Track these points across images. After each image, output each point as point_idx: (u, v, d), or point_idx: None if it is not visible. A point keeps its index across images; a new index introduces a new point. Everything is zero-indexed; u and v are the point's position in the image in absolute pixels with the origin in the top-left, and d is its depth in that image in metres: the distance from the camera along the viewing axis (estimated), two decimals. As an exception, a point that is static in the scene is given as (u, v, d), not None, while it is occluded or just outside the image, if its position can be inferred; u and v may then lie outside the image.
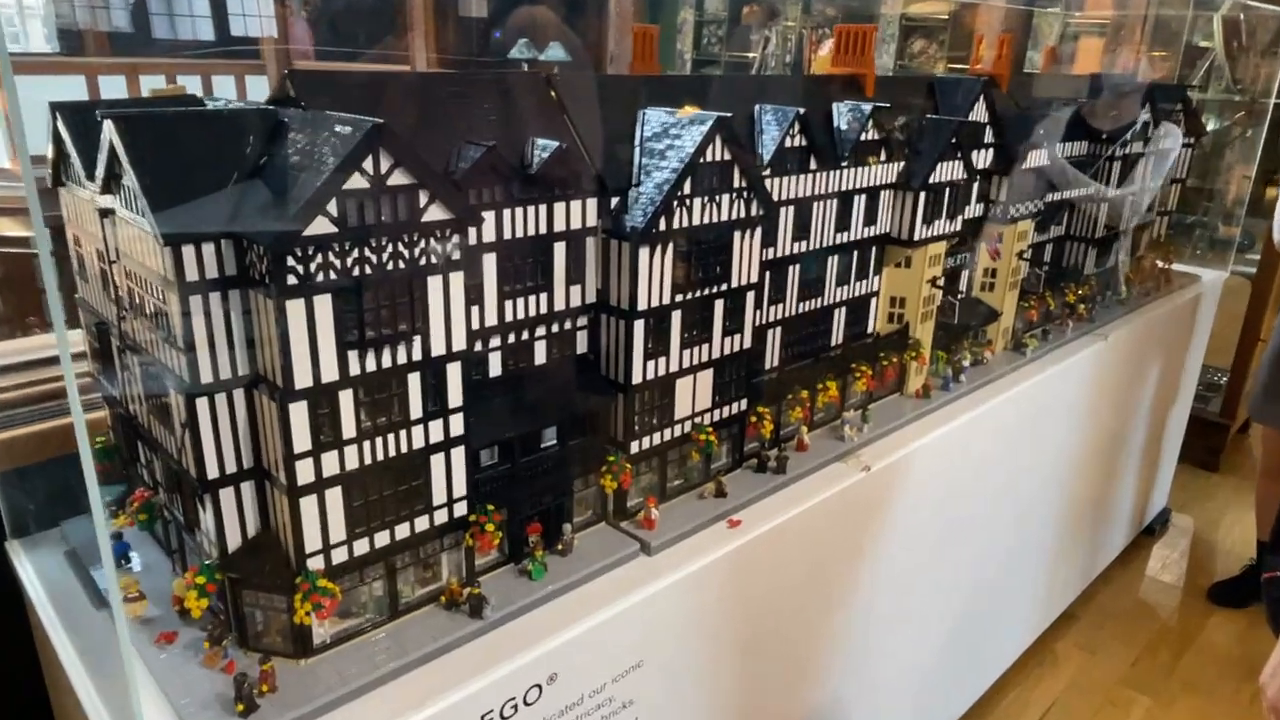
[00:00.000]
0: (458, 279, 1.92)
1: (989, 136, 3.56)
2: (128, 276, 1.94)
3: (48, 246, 1.30)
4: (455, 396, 2.01)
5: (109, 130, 1.73)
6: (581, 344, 2.39)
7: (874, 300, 3.22)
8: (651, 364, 2.43)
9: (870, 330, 3.25)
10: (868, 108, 2.91)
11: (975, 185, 3.50)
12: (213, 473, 1.85)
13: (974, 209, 3.56)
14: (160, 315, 1.83)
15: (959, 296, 3.69)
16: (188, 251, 1.71)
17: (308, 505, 1.84)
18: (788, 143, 2.71)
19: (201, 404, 1.79)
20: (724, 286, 2.52)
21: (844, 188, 2.93)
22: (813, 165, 2.80)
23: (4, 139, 2.70)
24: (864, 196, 3.02)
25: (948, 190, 3.26)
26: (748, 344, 2.66)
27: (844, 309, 3.10)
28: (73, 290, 2.34)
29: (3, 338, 2.73)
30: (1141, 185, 4.52)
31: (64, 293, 2.34)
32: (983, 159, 3.54)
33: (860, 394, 3.25)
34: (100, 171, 1.85)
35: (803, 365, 2.99)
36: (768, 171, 2.68)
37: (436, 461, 2.03)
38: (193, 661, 1.90)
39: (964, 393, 3.51)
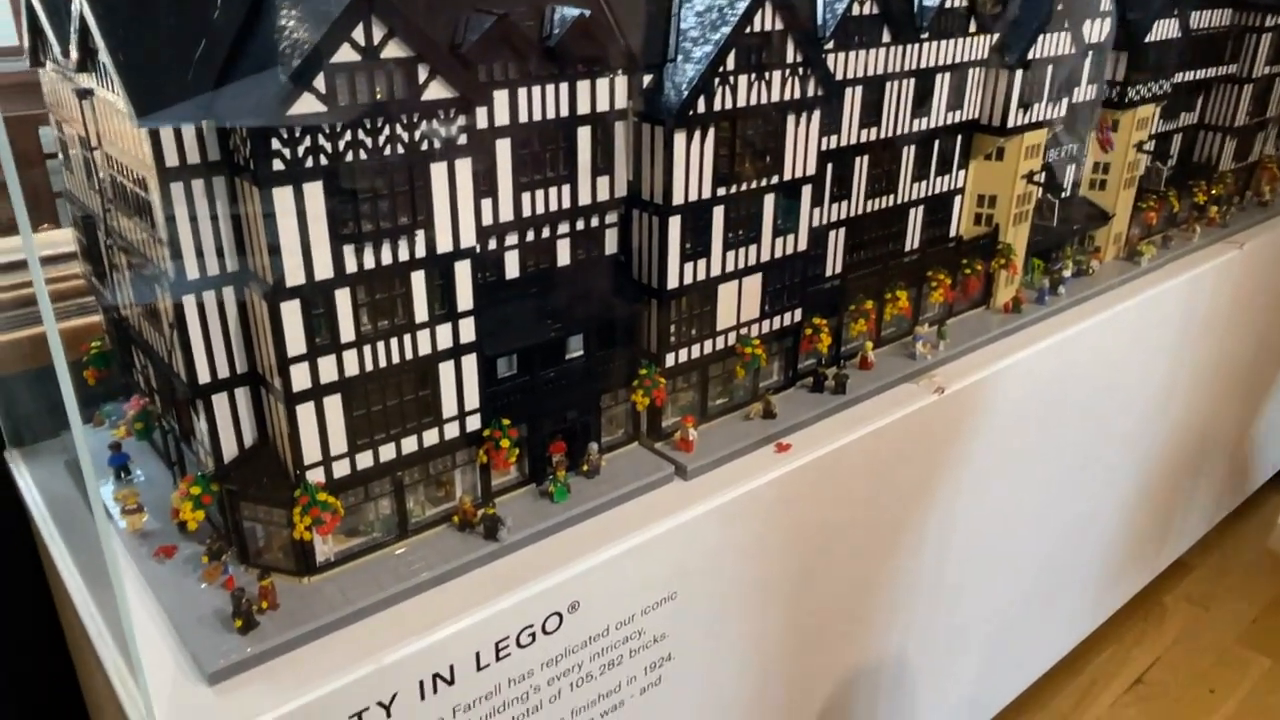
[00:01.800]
0: (465, 167, 1.91)
1: (1104, 3, 3.35)
2: (109, 163, 1.99)
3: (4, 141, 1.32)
4: (465, 299, 2.02)
5: (79, -1, 1.76)
6: (611, 244, 2.38)
7: (957, 198, 3.11)
8: (690, 266, 2.40)
9: (952, 233, 3.15)
10: (953, -33, 2.76)
11: (1086, 62, 3.32)
12: (204, 377, 1.91)
13: (1083, 91, 3.38)
14: (142, 206, 1.88)
15: (1061, 195, 3.54)
16: (166, 135, 1.73)
17: (305, 414, 1.89)
18: (855, 10, 2.59)
19: (189, 302, 1.84)
20: (775, 179, 2.47)
21: (923, 64, 2.79)
22: (886, 37, 2.68)
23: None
24: (948, 75, 2.88)
25: (1050, 68, 3.10)
26: (803, 246, 2.62)
27: (921, 208, 3.00)
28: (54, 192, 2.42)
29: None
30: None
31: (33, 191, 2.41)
32: (1096, 30, 3.34)
33: (937, 306, 3.19)
34: (73, 47, 1.88)
35: (870, 272, 2.92)
36: (829, 45, 2.58)
37: (446, 370, 2.05)
38: (191, 576, 2.01)
39: (1062, 307, 3.41)
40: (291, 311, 1.81)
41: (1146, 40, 3.51)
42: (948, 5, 2.79)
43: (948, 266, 3.13)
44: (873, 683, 3.21)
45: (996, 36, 2.97)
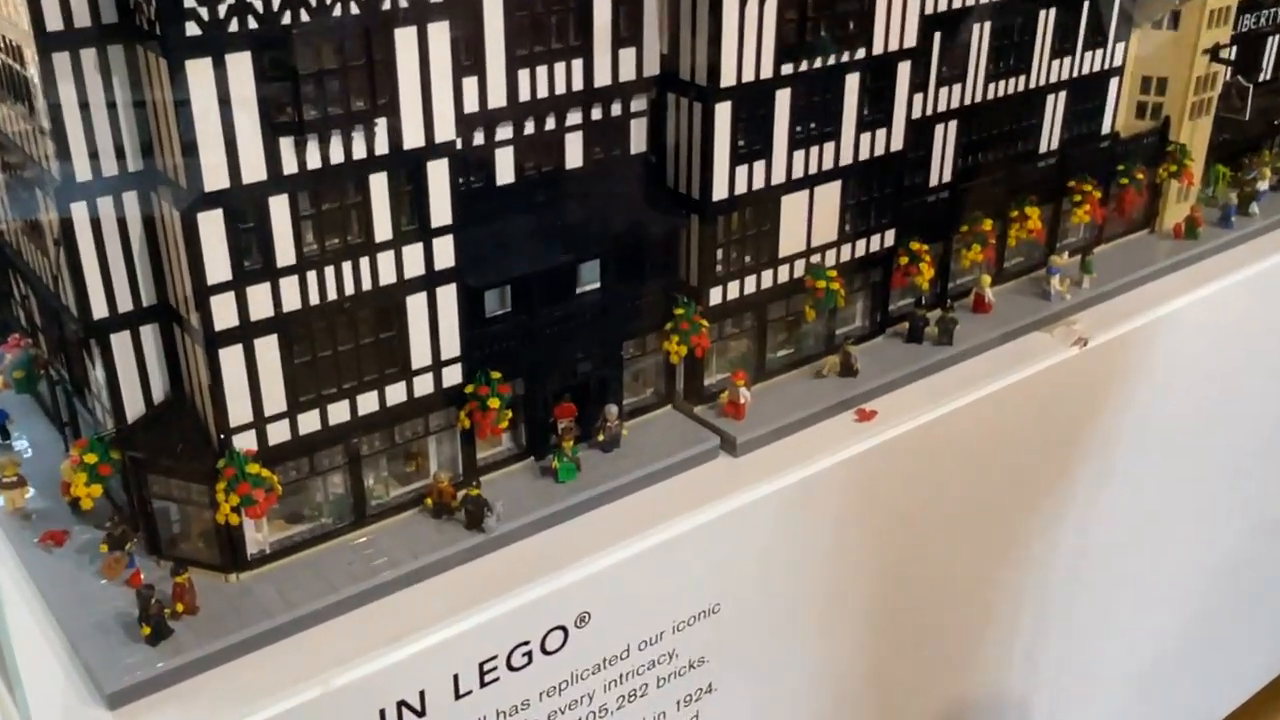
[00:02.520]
0: (441, 33, 1.90)
1: None
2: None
3: None
4: (441, 211, 2.02)
5: None
6: (638, 140, 2.36)
7: (1113, 82, 3.06)
8: (743, 171, 2.38)
9: (1105, 129, 3.10)
10: None
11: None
12: (100, 310, 1.93)
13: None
14: (18, 85, 1.90)
15: (1257, 80, 3.47)
16: (47, -12, 1.75)
17: (230, 360, 1.90)
18: None
19: (78, 213, 1.86)
20: (861, 53, 2.43)
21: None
22: None
23: None
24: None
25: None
26: (898, 145, 2.58)
27: (1063, 95, 2.95)
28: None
29: None
30: None
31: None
32: None
33: (1081, 229, 3.15)
34: None
35: (990, 181, 2.88)
36: None
37: (415, 306, 2.06)
38: (87, 570, 2.04)
39: (1255, 231, 3.35)
40: (212, 225, 1.81)
41: None
42: None
43: (1098, 175, 3.07)
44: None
45: None
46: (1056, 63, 2.92)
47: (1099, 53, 3.00)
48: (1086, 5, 2.91)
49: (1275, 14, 3.43)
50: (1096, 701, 3.59)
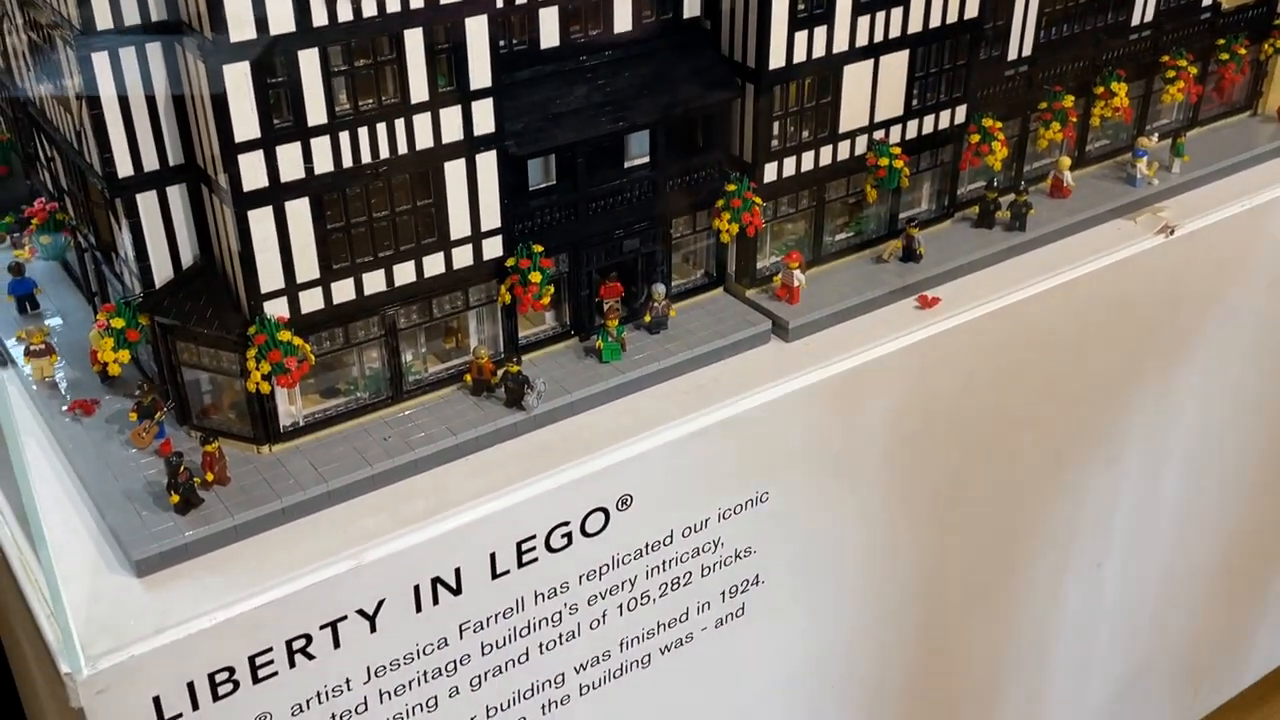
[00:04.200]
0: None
1: None
2: None
3: None
4: (481, 72, 1.97)
5: None
6: (691, 3, 2.29)
7: (1213, -54, 2.93)
8: (802, 36, 2.29)
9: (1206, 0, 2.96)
10: None
11: None
12: (125, 169, 1.90)
13: None
14: (37, -73, 1.85)
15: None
16: None
17: (260, 223, 1.87)
18: None
19: (100, 64, 1.82)
20: (934, -91, 2.34)
21: None
22: None
23: None
24: None
25: None
26: (973, 12, 2.47)
27: (1156, -42, 2.83)
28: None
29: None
30: None
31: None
32: None
33: (1175, 109, 3.05)
34: None
35: (1073, 53, 2.77)
36: None
37: (454, 172, 2.02)
38: (116, 439, 2.04)
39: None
40: (238, 78, 1.77)
41: None
42: None
43: (1195, 49, 2.94)
44: (1042, 645, 3.18)
45: None
46: (1152, -78, 2.77)
47: (1198, -88, 2.84)
48: None
49: None
50: (1150, 628, 3.52)
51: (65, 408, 2.12)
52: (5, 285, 2.36)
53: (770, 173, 2.40)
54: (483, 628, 2.05)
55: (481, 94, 2.00)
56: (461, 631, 2.02)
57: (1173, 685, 3.85)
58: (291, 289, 1.95)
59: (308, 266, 1.95)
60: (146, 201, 1.94)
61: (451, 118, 1.98)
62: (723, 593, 2.37)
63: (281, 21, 1.77)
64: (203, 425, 2.04)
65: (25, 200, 2.48)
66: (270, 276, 1.92)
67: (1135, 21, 2.85)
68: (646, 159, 2.27)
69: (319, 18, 1.80)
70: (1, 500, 1.98)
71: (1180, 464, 3.20)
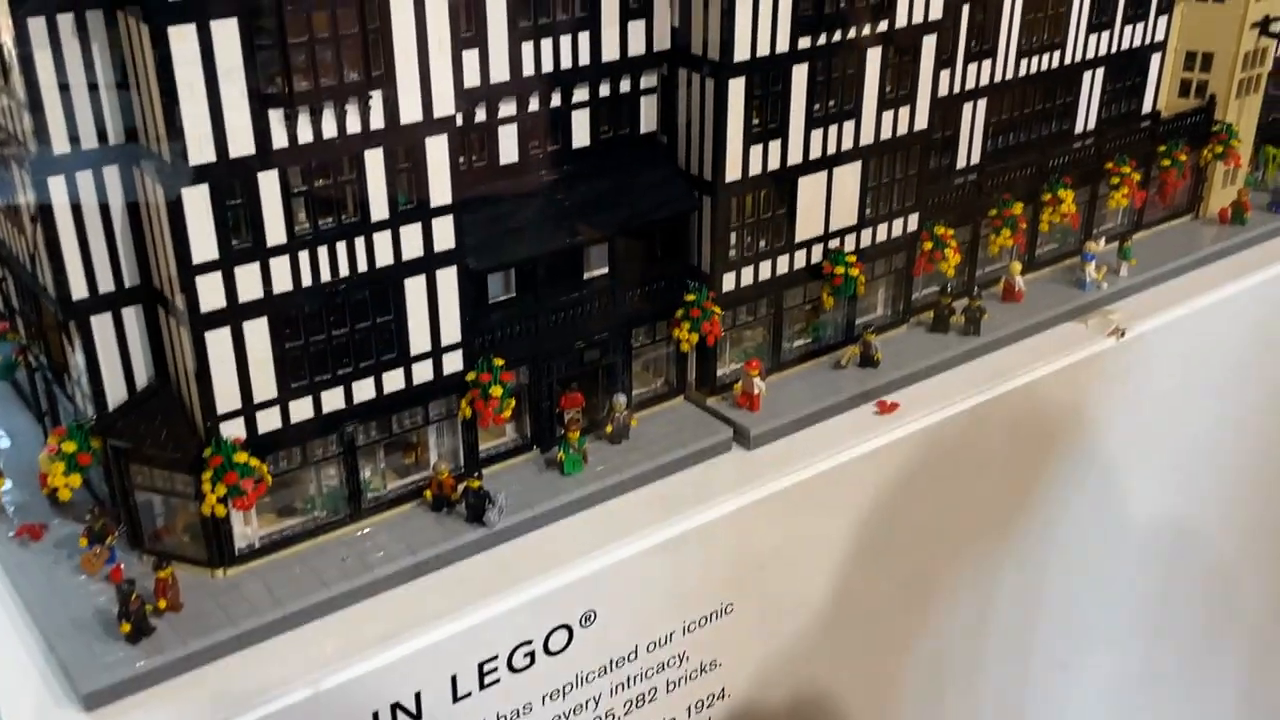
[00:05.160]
0: (439, 1, 1.86)
1: None
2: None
3: None
4: (441, 189, 1.98)
5: None
6: (648, 118, 2.33)
7: (1155, 58, 3.02)
8: (758, 151, 2.34)
9: (1146, 108, 3.07)
10: None
11: None
12: (79, 291, 1.89)
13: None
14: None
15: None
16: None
17: (217, 344, 1.86)
18: None
19: (56, 188, 1.82)
20: (884, 25, 2.38)
21: None
22: None
23: None
24: None
25: None
26: (922, 123, 2.54)
27: (1100, 71, 2.92)
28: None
29: None
30: None
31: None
32: None
33: (1120, 214, 3.12)
34: None
35: (1022, 163, 2.85)
36: None
37: (414, 289, 2.02)
38: (65, 564, 2.00)
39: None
40: (198, 201, 1.77)
41: None
42: None
43: (1138, 156, 3.02)
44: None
45: None
46: (1094, 37, 2.87)
47: (1140, 26, 2.95)
48: (1124, -24, 2.86)
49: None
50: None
51: (12, 533, 2.07)
52: (-48, 404, 2.33)
53: (728, 282, 2.42)
54: (444, 753, 2.01)
55: (442, 211, 2.01)
56: (422, 758, 1.99)
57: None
58: (248, 409, 1.93)
59: (265, 386, 1.94)
60: (101, 323, 1.93)
61: (412, 235, 1.99)
62: (689, 708, 2.34)
63: (241, 144, 1.78)
64: (155, 549, 2.00)
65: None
66: (227, 397, 1.91)
67: (1079, 129, 2.94)
68: (606, 270, 2.29)
69: (279, 139, 1.81)
70: (-55, 633, 1.94)
71: (1137, 564, 3.21)
